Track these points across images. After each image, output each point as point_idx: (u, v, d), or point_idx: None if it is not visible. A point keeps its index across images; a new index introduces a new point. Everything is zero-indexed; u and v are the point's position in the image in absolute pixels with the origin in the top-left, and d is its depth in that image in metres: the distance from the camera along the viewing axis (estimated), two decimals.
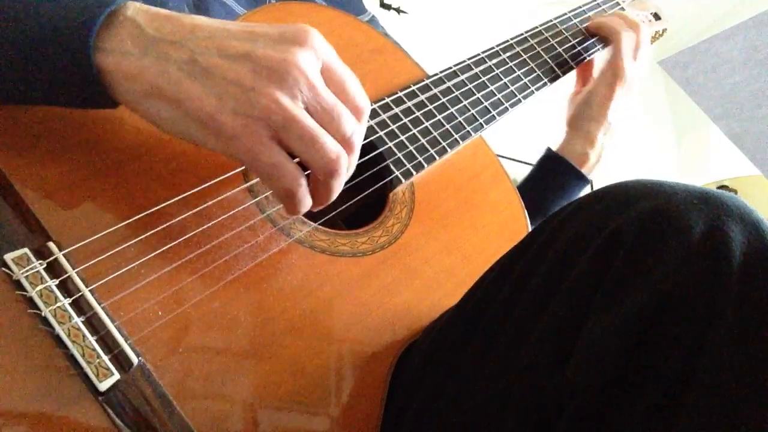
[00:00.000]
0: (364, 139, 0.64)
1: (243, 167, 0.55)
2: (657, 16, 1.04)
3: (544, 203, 0.86)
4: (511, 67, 0.81)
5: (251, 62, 0.42)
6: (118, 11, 0.43)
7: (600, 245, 0.41)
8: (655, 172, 3.15)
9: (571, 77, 0.92)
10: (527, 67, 0.83)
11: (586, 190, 0.86)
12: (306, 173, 0.46)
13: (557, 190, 0.87)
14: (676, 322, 0.37)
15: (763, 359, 0.34)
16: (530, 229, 0.63)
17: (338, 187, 0.47)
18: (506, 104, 0.78)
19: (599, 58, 0.92)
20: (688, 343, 0.36)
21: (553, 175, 0.87)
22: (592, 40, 0.91)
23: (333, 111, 0.45)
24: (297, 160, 0.45)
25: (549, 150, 0.90)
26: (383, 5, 2.37)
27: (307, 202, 0.47)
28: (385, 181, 0.65)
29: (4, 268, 0.42)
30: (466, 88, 0.76)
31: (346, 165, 0.46)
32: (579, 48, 0.89)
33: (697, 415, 0.35)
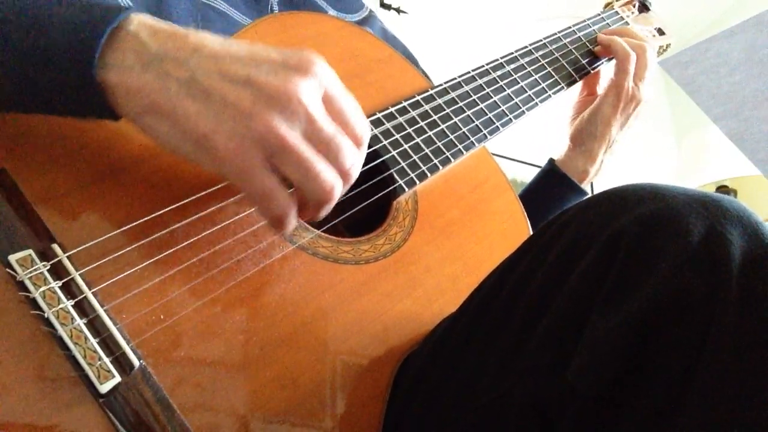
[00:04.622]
0: (368, 148, 0.65)
1: None
2: (661, 32, 1.05)
3: (545, 216, 0.87)
4: (515, 78, 0.82)
5: (252, 87, 0.42)
6: (121, 25, 0.43)
7: (600, 248, 0.41)
8: (655, 172, 3.15)
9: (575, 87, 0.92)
10: (531, 79, 0.83)
11: None
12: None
13: (557, 204, 0.88)
14: (676, 325, 0.37)
15: (763, 362, 0.34)
16: None
17: (326, 212, 0.47)
18: (510, 116, 0.78)
19: (606, 70, 0.92)
20: (688, 346, 0.36)
21: (555, 190, 0.89)
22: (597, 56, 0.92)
23: (332, 142, 0.44)
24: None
25: (552, 164, 0.90)
26: (383, 5, 2.38)
27: (293, 226, 0.47)
28: (388, 189, 0.65)
29: (8, 269, 0.43)
30: (471, 99, 0.76)
31: (340, 194, 0.46)
32: (583, 62, 0.90)
33: (698, 417, 0.35)
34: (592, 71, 0.91)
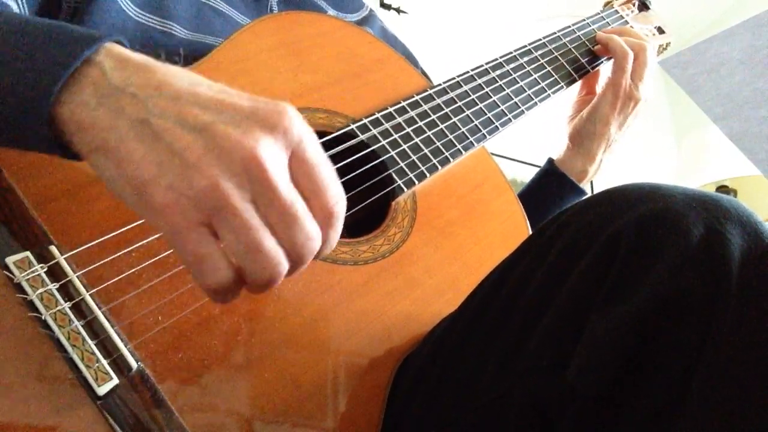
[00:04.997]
0: (367, 148, 0.65)
1: None
2: (661, 30, 1.04)
3: (543, 216, 0.87)
4: (514, 78, 0.81)
5: (205, 137, 0.37)
6: (88, 57, 0.39)
7: (599, 248, 0.41)
8: (655, 173, 3.15)
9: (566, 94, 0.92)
10: (530, 78, 0.83)
11: None
12: None
13: (556, 204, 0.88)
14: (676, 325, 0.37)
15: (763, 361, 0.34)
16: None
17: (267, 289, 0.40)
18: (509, 115, 0.78)
19: (606, 69, 0.92)
20: (687, 346, 0.36)
21: (554, 190, 0.88)
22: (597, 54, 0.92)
23: (287, 213, 0.38)
24: None
25: (551, 164, 0.90)
26: (383, 5, 2.38)
27: (234, 296, 0.41)
28: (387, 189, 0.65)
29: (5, 271, 0.43)
30: (470, 98, 0.76)
31: (283, 276, 0.40)
32: (583, 61, 0.90)
33: (698, 417, 0.34)
34: (591, 70, 0.91)
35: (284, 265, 0.39)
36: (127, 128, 0.38)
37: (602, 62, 0.92)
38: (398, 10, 2.40)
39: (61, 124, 0.39)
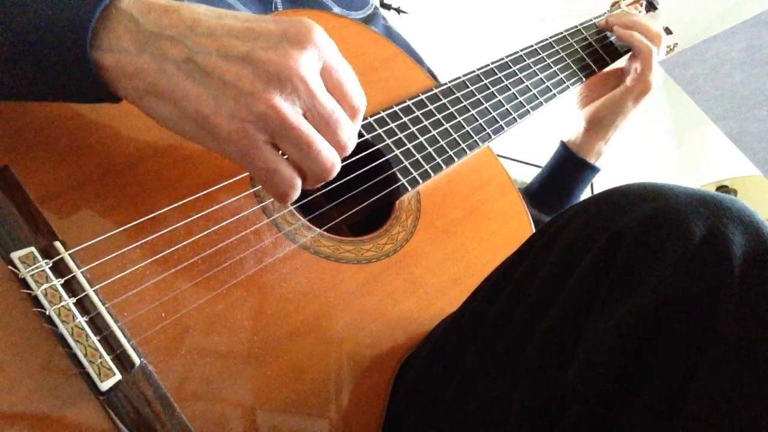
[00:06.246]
0: (371, 147, 0.65)
1: None
2: (668, 31, 1.04)
3: (567, 199, 0.94)
4: (520, 78, 0.81)
5: (251, 65, 0.41)
6: (112, 3, 0.42)
7: (601, 248, 0.41)
8: (655, 172, 3.15)
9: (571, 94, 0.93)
10: (536, 78, 0.83)
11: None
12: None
13: (580, 188, 0.94)
14: (677, 324, 0.36)
15: (765, 361, 0.34)
16: None
17: (323, 182, 0.48)
18: (514, 114, 0.78)
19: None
20: (689, 346, 0.36)
21: (577, 175, 0.94)
22: (605, 54, 0.92)
23: (331, 117, 0.44)
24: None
25: (568, 151, 0.93)
26: (383, 5, 2.37)
27: (296, 197, 0.47)
28: (391, 188, 0.65)
29: (10, 266, 0.43)
30: (475, 98, 0.76)
31: (338, 170, 0.47)
32: (589, 61, 0.89)
33: (698, 418, 0.34)
34: (598, 71, 0.90)
35: (338, 161, 0.46)
36: (176, 70, 0.41)
37: (609, 64, 0.92)
38: (398, 10, 2.40)
39: (104, 72, 0.42)
